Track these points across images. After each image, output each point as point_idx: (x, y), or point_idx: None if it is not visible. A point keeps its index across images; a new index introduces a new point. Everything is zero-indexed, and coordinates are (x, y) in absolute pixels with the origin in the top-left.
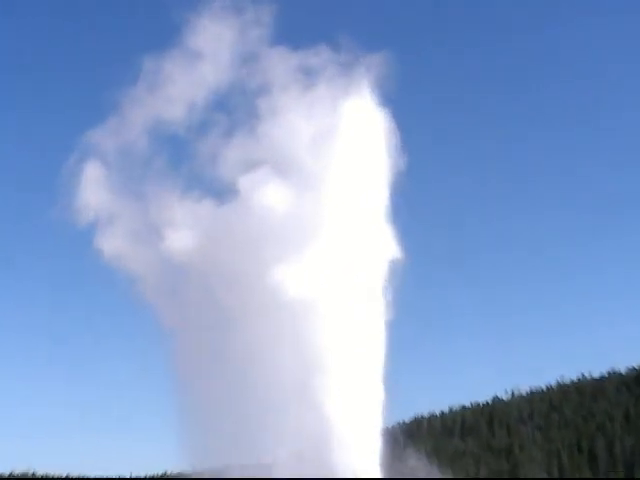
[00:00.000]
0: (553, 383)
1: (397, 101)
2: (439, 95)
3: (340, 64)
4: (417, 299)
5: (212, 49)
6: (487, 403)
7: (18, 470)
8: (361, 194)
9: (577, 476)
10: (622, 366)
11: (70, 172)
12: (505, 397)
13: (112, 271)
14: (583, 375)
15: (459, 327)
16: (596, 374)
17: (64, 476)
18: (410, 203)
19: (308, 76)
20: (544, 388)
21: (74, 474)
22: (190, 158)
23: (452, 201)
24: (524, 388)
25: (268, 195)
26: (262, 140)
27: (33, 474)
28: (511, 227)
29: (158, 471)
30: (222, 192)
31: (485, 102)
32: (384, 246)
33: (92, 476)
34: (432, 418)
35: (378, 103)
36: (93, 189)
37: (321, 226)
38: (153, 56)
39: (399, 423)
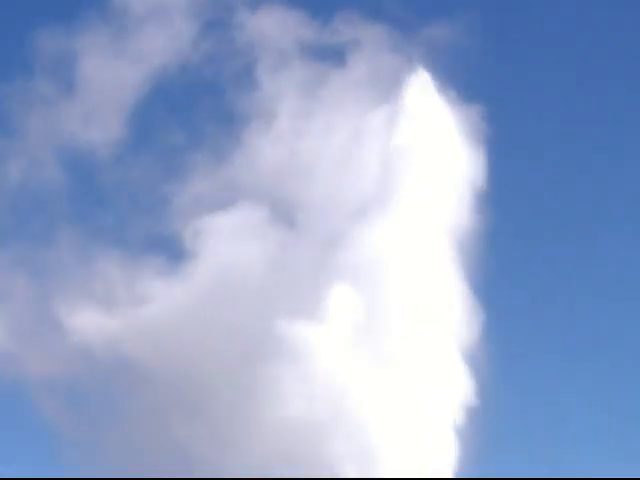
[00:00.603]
0: None
1: (478, 98)
2: (542, 84)
3: (385, 41)
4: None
5: (157, 13)
6: None
7: None
8: (414, 251)
9: None
10: None
11: None
12: None
13: None
14: None
15: None
16: None
17: None
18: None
19: (329, 60)
20: None
21: None
22: (122, 195)
23: (554, 276)
24: None
25: (247, 253)
26: (241, 164)
27: None
28: None
29: None
30: (174, 249)
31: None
32: (455, 383)
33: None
34: None
35: (447, 102)
36: None
37: (343, 298)
38: (58, 29)
39: None
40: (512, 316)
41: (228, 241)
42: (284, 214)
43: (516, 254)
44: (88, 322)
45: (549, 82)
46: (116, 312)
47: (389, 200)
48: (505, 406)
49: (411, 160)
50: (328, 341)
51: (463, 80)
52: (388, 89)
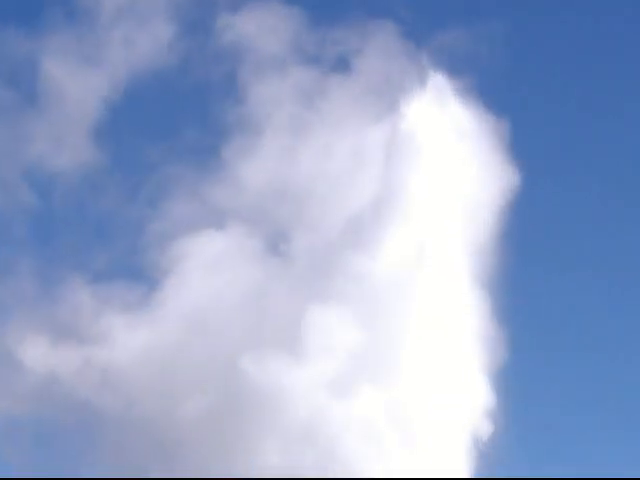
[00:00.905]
0: None
1: (500, 112)
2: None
3: (393, 45)
4: None
5: (130, 14)
6: None
7: None
8: (430, 278)
9: None
10: None
11: None
12: None
13: None
14: None
15: None
16: None
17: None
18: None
19: (329, 67)
20: None
21: None
22: (89, 220)
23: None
24: None
25: (229, 285)
26: (223, 185)
27: None
28: None
29: None
30: (146, 280)
31: None
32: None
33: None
34: None
35: (468, 113)
36: None
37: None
38: (18, 31)
39: None
40: (535, 351)
41: (207, 271)
42: (272, 241)
43: (540, 285)
44: (50, 359)
45: (580, 96)
46: (80, 348)
47: (395, 224)
48: (522, 443)
49: (421, 179)
50: (317, 380)
51: (483, 91)
52: (397, 99)
